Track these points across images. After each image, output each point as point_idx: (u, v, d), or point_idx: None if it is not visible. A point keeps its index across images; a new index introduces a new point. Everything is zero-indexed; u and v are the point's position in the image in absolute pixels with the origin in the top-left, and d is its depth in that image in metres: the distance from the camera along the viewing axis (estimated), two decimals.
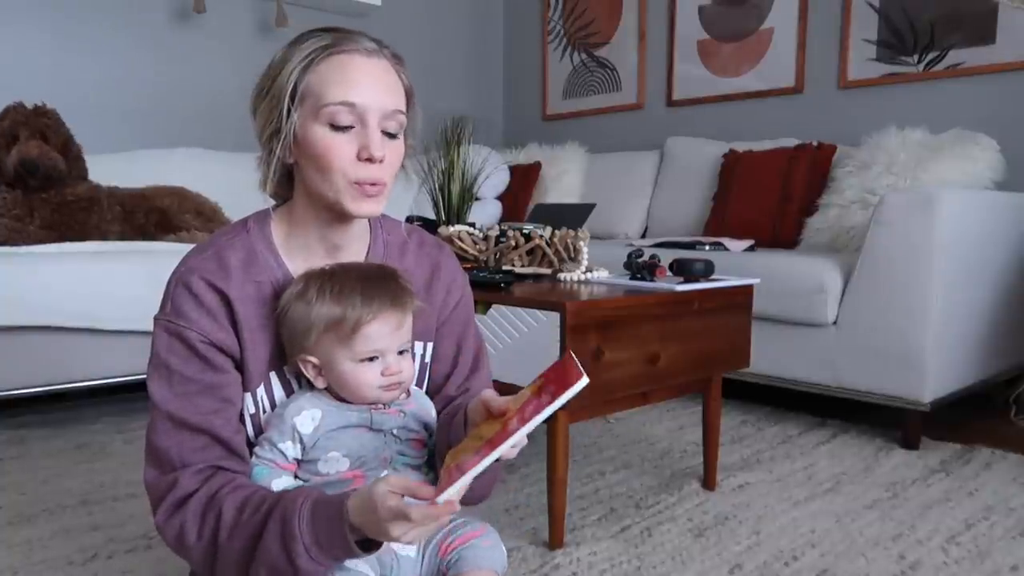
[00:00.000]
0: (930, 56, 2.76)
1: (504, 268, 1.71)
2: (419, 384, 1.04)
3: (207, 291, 0.89)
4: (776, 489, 1.74)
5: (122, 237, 2.49)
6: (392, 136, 0.90)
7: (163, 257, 1.92)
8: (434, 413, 1.00)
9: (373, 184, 0.88)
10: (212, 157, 3.07)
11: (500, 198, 3.64)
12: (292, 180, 0.95)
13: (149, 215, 2.57)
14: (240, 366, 0.92)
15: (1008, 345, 2.32)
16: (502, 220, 3.54)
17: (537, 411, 0.73)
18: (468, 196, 2.28)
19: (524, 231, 1.73)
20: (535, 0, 4.22)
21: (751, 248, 2.58)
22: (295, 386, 0.96)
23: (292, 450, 0.91)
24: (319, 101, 0.86)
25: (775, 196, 2.75)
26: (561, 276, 1.70)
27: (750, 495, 1.70)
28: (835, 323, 2.13)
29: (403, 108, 0.91)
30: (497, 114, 4.46)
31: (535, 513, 1.58)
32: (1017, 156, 2.49)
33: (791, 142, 2.89)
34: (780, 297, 2.18)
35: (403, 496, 0.74)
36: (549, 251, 1.72)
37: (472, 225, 1.88)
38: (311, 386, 0.94)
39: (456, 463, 0.76)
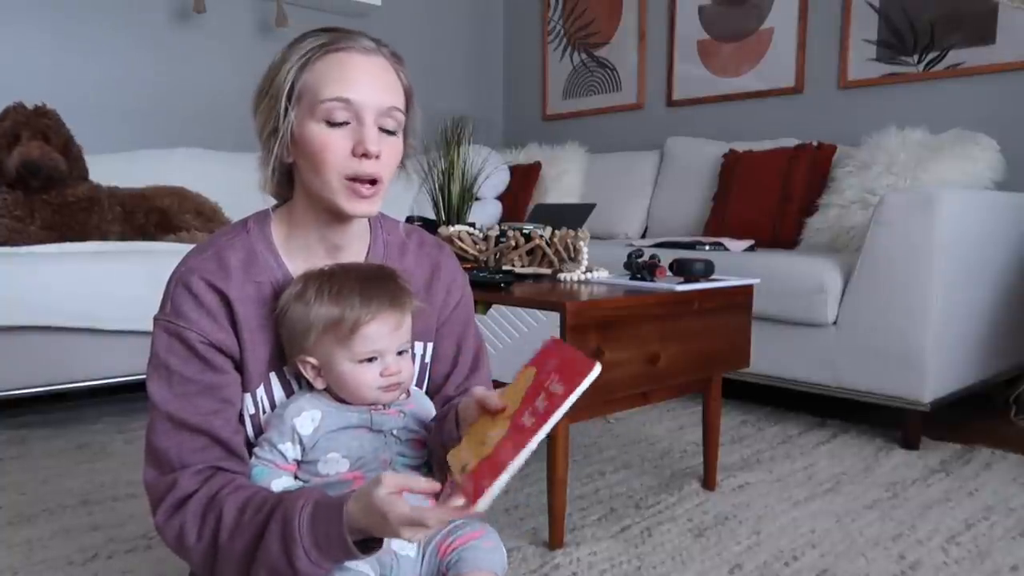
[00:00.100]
0: (930, 56, 2.76)
1: (504, 268, 1.71)
2: (419, 384, 1.04)
3: (207, 291, 0.89)
4: (776, 489, 1.74)
5: (122, 237, 2.49)
6: (389, 133, 0.90)
7: (163, 257, 1.92)
8: (434, 413, 1.00)
9: (369, 182, 0.88)
10: (212, 157, 3.07)
11: (500, 198, 3.65)
12: (292, 181, 0.95)
13: (149, 215, 2.57)
14: (240, 367, 0.92)
15: (1008, 345, 2.32)
16: (502, 220, 3.54)
17: (556, 405, 0.71)
18: (468, 196, 2.28)
19: (524, 231, 1.73)
20: (535, 0, 4.22)
21: (751, 248, 2.58)
22: (295, 387, 0.96)
23: (292, 451, 0.91)
24: (315, 98, 0.86)
25: (775, 196, 2.75)
26: (561, 276, 1.70)
27: (750, 495, 1.70)
28: (835, 323, 2.13)
29: (400, 106, 0.91)
30: (497, 114, 4.46)
31: (535, 513, 1.58)
32: (1017, 156, 2.49)
33: (791, 142, 2.89)
34: (780, 297, 2.18)
35: (401, 493, 0.74)
36: (549, 251, 1.72)
37: (472, 225, 1.88)
38: (311, 387, 0.93)
39: (481, 464, 0.74)
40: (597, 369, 0.72)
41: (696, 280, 1.60)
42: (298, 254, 0.96)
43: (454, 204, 2.25)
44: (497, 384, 0.92)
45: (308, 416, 0.91)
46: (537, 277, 1.72)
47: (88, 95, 2.98)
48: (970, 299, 2.11)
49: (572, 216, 1.97)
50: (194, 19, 3.25)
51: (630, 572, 1.34)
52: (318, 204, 0.91)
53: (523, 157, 3.80)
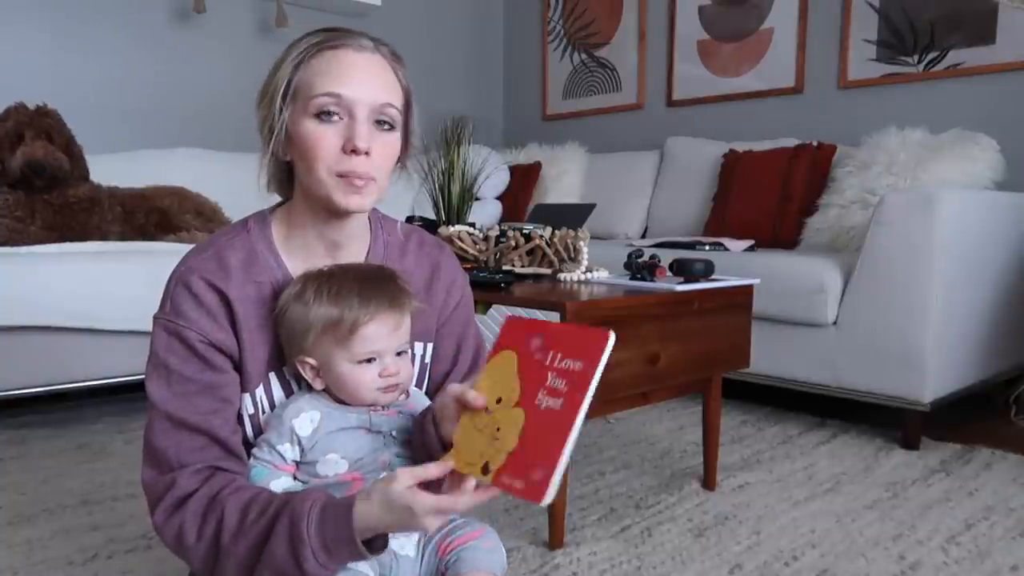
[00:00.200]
0: (930, 56, 2.76)
1: (504, 268, 1.71)
2: (419, 385, 1.04)
3: (207, 291, 0.89)
4: (776, 489, 1.74)
5: (122, 237, 2.49)
6: (384, 131, 0.89)
7: (163, 257, 1.91)
8: None
9: (358, 178, 0.87)
10: (212, 157, 3.06)
11: (500, 198, 3.65)
12: (292, 180, 0.95)
13: (149, 215, 2.57)
14: (239, 366, 0.92)
15: (1008, 345, 2.32)
16: (502, 220, 3.54)
17: (584, 380, 0.68)
18: (468, 196, 2.28)
19: (524, 231, 1.73)
20: (535, 0, 4.22)
21: (751, 248, 2.58)
22: (294, 387, 0.96)
23: (290, 452, 0.90)
24: (308, 94, 0.86)
25: (775, 196, 2.75)
26: (561, 276, 1.70)
27: (750, 495, 1.70)
28: (835, 323, 2.13)
29: (396, 103, 0.90)
30: (497, 114, 4.46)
31: (535, 513, 1.58)
32: (1017, 156, 2.49)
33: (791, 142, 2.89)
34: (780, 297, 2.18)
35: (416, 485, 0.75)
36: (549, 251, 1.72)
37: (472, 225, 1.88)
38: (310, 387, 0.93)
39: (513, 458, 0.71)
40: (612, 339, 0.70)
41: (696, 280, 1.60)
42: (298, 253, 0.95)
43: (454, 204, 2.25)
44: None
45: (307, 417, 0.90)
46: (537, 277, 1.72)
47: (88, 95, 2.98)
48: (970, 299, 2.11)
49: (572, 216, 1.97)
50: (194, 19, 3.25)
51: (630, 572, 1.34)
52: (315, 201, 0.91)
53: (523, 157, 3.80)
